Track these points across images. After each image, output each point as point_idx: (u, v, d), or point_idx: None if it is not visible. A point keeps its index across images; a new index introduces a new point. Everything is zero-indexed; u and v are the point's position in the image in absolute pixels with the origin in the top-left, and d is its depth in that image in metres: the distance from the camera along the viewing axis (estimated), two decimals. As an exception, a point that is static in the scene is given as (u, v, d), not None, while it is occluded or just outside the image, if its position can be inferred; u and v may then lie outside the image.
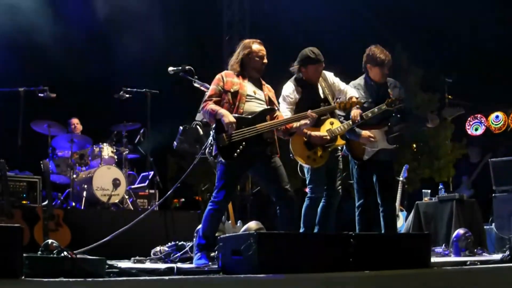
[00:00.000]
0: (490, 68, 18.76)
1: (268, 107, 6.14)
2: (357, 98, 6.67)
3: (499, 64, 18.37)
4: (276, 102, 6.38)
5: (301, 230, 6.69)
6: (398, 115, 7.15)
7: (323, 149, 6.62)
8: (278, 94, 6.61)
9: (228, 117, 5.79)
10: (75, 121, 11.26)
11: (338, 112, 6.86)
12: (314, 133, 6.54)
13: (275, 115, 6.19)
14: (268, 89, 6.34)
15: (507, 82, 17.96)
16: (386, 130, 7.15)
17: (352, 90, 7.00)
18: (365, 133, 7.04)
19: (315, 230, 6.82)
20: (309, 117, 6.19)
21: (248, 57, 6.19)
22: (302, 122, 6.18)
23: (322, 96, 6.79)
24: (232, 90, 6.02)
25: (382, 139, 7.14)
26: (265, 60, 6.23)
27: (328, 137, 6.59)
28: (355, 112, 6.79)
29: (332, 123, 6.71)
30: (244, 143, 5.80)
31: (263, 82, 6.34)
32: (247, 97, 6.03)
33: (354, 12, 19.07)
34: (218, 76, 6.16)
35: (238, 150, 5.78)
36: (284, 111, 6.56)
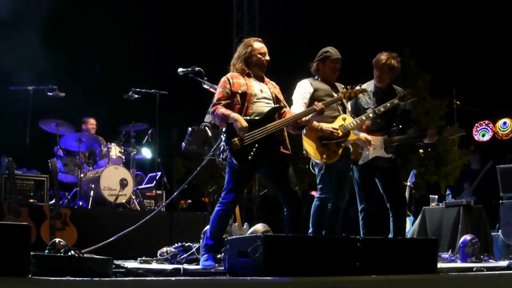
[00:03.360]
0: (499, 75, 18.76)
1: (276, 105, 6.12)
2: (360, 86, 6.63)
3: (507, 71, 18.36)
4: (282, 98, 6.33)
5: (310, 231, 6.67)
6: (400, 126, 7.14)
7: (337, 144, 6.60)
8: (286, 95, 6.58)
9: (241, 121, 5.76)
10: (92, 121, 11.21)
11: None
12: (325, 126, 6.53)
13: (282, 111, 6.18)
14: (273, 86, 6.30)
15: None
16: (385, 138, 7.14)
17: None
18: (363, 135, 7.02)
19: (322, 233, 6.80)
20: (316, 109, 6.18)
21: (250, 55, 6.16)
22: (311, 115, 6.19)
23: (335, 95, 6.79)
24: (240, 91, 5.98)
25: (380, 146, 7.12)
26: (267, 57, 6.22)
27: (340, 132, 6.57)
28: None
29: (344, 119, 6.68)
30: (256, 145, 5.78)
31: (267, 80, 6.32)
32: (255, 97, 6.02)
33: (364, 17, 19.09)
34: (224, 79, 6.12)
35: (252, 153, 5.75)
36: (298, 105, 6.57)
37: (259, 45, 6.22)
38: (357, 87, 6.61)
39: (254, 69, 6.16)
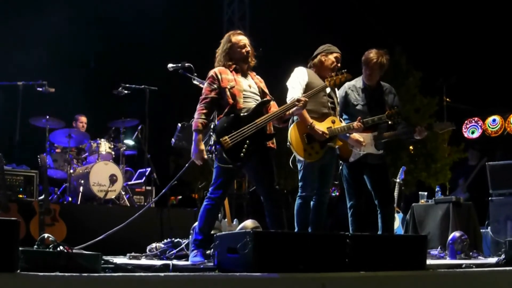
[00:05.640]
0: (488, 72, 18.81)
1: (264, 99, 6.09)
2: (344, 72, 6.54)
3: (497, 68, 18.42)
4: (267, 92, 6.29)
5: (295, 230, 6.67)
6: (389, 122, 7.14)
7: (321, 146, 6.60)
8: (276, 91, 6.55)
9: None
10: (83, 119, 11.19)
11: None
12: (317, 126, 6.54)
13: (268, 105, 6.16)
14: (259, 80, 6.28)
15: (505, 86, 18.02)
16: (375, 135, 7.15)
17: None
18: (354, 135, 7.03)
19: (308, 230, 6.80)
20: (297, 104, 6.13)
21: (231, 50, 6.14)
22: (295, 108, 6.13)
23: (327, 91, 6.79)
24: (229, 87, 5.94)
25: (370, 143, 7.13)
26: (248, 48, 6.16)
27: (328, 135, 6.58)
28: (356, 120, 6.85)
29: (333, 122, 6.69)
30: (248, 141, 5.77)
31: (253, 74, 6.28)
32: (244, 92, 6.00)
33: (355, 14, 19.10)
34: (211, 74, 6.06)
35: (244, 150, 5.74)
36: (296, 91, 6.53)
37: (237, 39, 6.19)
38: (341, 74, 6.52)
39: (239, 63, 6.14)
